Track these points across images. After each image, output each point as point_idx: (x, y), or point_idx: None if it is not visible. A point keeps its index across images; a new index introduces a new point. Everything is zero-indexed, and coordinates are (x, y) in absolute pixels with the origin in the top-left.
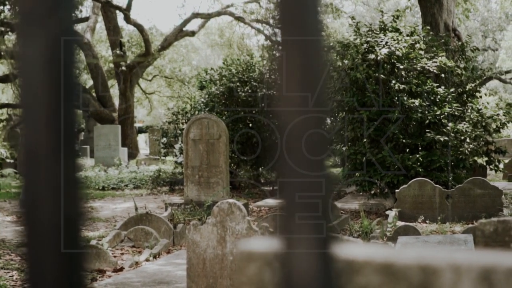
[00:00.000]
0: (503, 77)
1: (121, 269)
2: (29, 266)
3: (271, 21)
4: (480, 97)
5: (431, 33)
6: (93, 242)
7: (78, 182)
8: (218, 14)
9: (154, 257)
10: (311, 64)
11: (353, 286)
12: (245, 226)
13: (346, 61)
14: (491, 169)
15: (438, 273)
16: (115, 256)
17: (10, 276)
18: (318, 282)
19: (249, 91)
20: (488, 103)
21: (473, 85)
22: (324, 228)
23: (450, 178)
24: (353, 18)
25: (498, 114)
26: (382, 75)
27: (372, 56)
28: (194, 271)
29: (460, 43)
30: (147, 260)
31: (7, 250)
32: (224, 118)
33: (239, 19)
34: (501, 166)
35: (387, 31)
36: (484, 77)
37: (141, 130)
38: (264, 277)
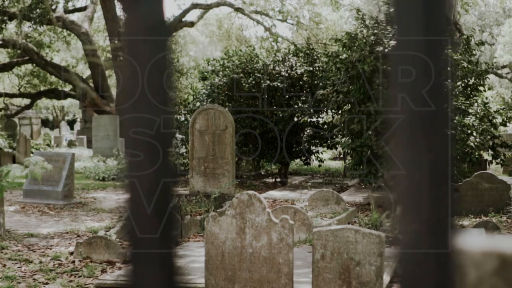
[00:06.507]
0: (499, 71)
1: None
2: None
3: (270, 13)
4: (485, 90)
5: None
6: (101, 233)
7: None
8: (218, 4)
9: None
10: None
11: None
12: (265, 218)
13: (351, 52)
14: (497, 163)
15: None
16: (123, 248)
17: (18, 267)
18: None
19: (253, 82)
20: (492, 97)
21: (474, 79)
22: None
23: (455, 172)
24: (358, 10)
25: (504, 108)
26: (389, 67)
27: (380, 48)
28: (212, 263)
29: (465, 36)
30: None
31: (13, 241)
32: (226, 109)
33: (238, 10)
34: None
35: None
36: (483, 70)
37: None
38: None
